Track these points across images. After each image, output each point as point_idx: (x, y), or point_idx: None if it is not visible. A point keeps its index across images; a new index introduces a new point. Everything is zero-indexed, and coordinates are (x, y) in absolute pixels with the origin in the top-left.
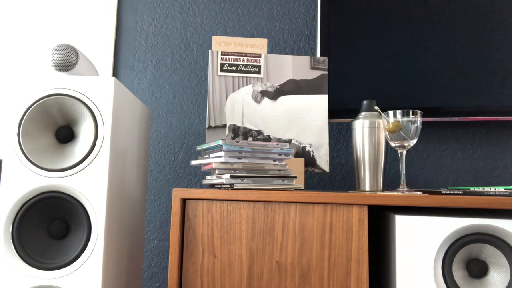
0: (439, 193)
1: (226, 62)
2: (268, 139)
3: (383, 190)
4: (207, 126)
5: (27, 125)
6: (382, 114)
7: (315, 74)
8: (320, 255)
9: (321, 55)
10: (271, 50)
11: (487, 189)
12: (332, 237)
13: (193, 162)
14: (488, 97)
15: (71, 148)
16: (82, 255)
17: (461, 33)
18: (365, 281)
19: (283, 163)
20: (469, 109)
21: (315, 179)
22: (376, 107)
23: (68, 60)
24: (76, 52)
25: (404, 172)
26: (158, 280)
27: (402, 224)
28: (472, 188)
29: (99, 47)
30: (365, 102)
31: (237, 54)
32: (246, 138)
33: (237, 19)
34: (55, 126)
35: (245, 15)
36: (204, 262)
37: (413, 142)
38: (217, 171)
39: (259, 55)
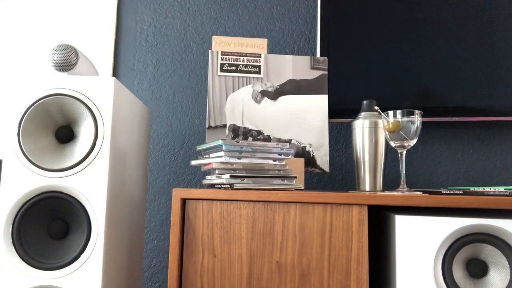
0: (439, 193)
1: (226, 62)
2: (268, 139)
3: (383, 190)
4: (207, 126)
5: (27, 125)
6: (382, 114)
7: (315, 74)
8: (320, 255)
9: (321, 55)
10: (271, 50)
11: (487, 189)
12: (332, 237)
13: (193, 162)
14: (488, 97)
15: (71, 148)
16: (82, 255)
17: (461, 33)
18: (365, 281)
19: (283, 163)
20: (469, 109)
21: (315, 179)
22: (376, 107)
23: (68, 60)
24: (76, 52)
25: (404, 172)
26: (158, 280)
27: (402, 224)
28: (472, 188)
29: (99, 47)
30: (365, 102)
31: (237, 54)
32: (246, 138)
33: (237, 19)
34: (55, 126)
35: (245, 15)
36: (204, 262)
37: (413, 142)
38: (217, 171)
39: (259, 55)
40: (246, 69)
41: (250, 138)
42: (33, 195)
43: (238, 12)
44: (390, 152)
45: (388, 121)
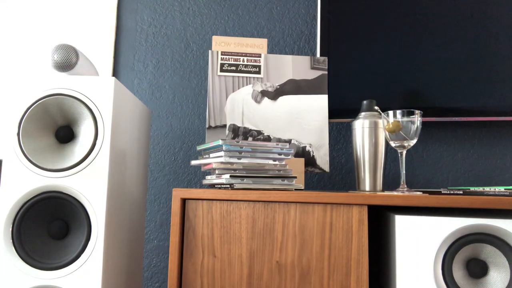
0: (439, 193)
1: (226, 62)
2: (268, 139)
3: (383, 190)
4: (207, 126)
5: (27, 125)
6: (382, 114)
7: (315, 74)
8: (320, 255)
9: (321, 55)
10: (271, 50)
11: (487, 189)
12: (332, 237)
13: (193, 162)
14: (488, 97)
15: (71, 148)
16: (82, 255)
17: (461, 33)
18: (365, 281)
19: (283, 163)
20: (469, 109)
21: (315, 179)
22: (376, 107)
23: (68, 60)
24: (76, 52)
25: (404, 172)
26: (158, 280)
27: (402, 224)
28: (472, 188)
29: (99, 47)
30: (365, 102)
31: (237, 54)
32: (246, 138)
33: (237, 19)
34: (55, 126)
35: (245, 15)
36: (204, 262)
37: (413, 142)
38: (217, 171)
39: (259, 55)
40: (246, 69)
41: (250, 138)
42: (33, 195)
43: (238, 12)
44: (390, 152)
45: (388, 121)
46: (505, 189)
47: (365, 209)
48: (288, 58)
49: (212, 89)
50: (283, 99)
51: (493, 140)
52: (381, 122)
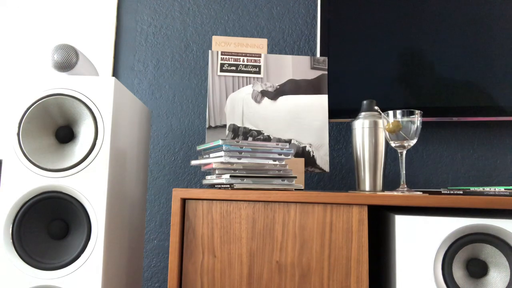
0: (439, 193)
1: (226, 62)
2: (268, 139)
3: (383, 190)
4: (207, 126)
5: (27, 125)
6: (382, 114)
7: (315, 74)
8: (320, 255)
9: (321, 55)
10: (271, 50)
11: (487, 189)
12: (332, 237)
13: (193, 162)
14: (488, 97)
15: (71, 148)
16: (82, 255)
17: (461, 33)
18: (365, 281)
19: (283, 163)
20: (469, 109)
21: (315, 179)
22: (376, 107)
23: (68, 60)
24: (76, 52)
25: (404, 172)
26: (158, 280)
27: (402, 224)
28: (472, 188)
29: (99, 47)
30: (365, 102)
31: (237, 54)
32: (246, 138)
33: (237, 19)
34: (55, 126)
35: (245, 15)
36: (204, 262)
37: (413, 142)
38: (217, 171)
39: (259, 55)
40: (246, 69)
41: (250, 138)
42: (33, 195)
43: (238, 12)
44: (390, 152)
45: (388, 121)
46: (505, 189)
47: (365, 209)
48: (288, 58)
49: (212, 89)
50: (283, 99)
51: (493, 140)
52: (381, 122)
